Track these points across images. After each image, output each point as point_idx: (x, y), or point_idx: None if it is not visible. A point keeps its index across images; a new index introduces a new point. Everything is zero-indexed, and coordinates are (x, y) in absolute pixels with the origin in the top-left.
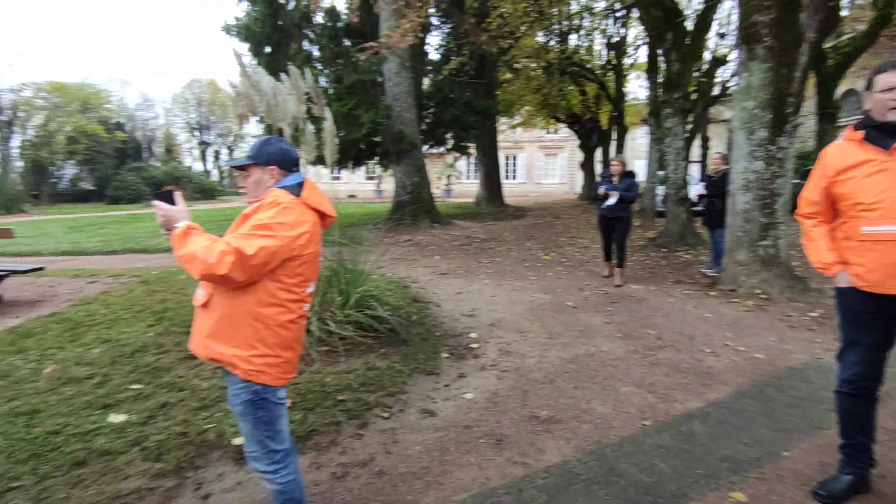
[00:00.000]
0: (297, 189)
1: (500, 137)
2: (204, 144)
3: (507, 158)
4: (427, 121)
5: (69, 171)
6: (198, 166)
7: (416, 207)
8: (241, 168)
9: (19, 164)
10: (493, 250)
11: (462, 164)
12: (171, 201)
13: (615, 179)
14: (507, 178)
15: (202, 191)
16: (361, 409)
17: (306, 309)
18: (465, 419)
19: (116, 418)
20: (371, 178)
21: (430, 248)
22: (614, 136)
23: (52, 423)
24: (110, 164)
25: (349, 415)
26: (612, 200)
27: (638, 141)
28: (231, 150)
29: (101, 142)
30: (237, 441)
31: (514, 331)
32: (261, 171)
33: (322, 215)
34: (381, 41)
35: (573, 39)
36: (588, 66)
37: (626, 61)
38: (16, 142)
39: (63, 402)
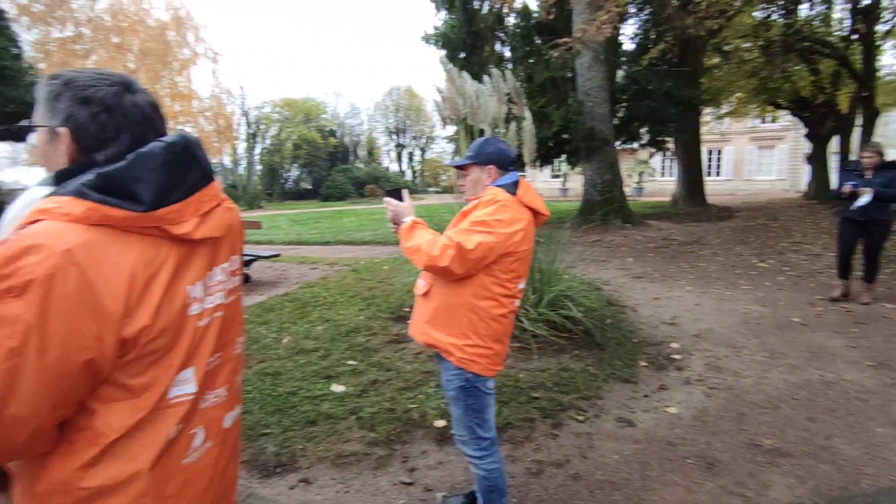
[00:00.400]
0: (512, 188)
1: (703, 129)
2: (400, 147)
3: (709, 153)
4: (619, 115)
5: (293, 173)
6: (394, 167)
7: (607, 207)
8: (460, 167)
9: (258, 167)
10: (695, 254)
11: (656, 160)
12: (399, 198)
13: (868, 174)
14: (709, 174)
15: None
16: (556, 410)
17: (517, 304)
18: (669, 435)
19: (337, 388)
20: (556, 177)
21: (622, 250)
22: (858, 121)
23: (290, 385)
24: (324, 167)
25: (543, 413)
26: (864, 199)
27: (893, 126)
28: (423, 151)
29: (317, 147)
30: (439, 423)
31: (725, 345)
32: (479, 170)
33: (535, 213)
34: (576, 36)
35: (803, 10)
36: (825, 39)
37: (880, 28)
38: (257, 149)
39: (297, 368)
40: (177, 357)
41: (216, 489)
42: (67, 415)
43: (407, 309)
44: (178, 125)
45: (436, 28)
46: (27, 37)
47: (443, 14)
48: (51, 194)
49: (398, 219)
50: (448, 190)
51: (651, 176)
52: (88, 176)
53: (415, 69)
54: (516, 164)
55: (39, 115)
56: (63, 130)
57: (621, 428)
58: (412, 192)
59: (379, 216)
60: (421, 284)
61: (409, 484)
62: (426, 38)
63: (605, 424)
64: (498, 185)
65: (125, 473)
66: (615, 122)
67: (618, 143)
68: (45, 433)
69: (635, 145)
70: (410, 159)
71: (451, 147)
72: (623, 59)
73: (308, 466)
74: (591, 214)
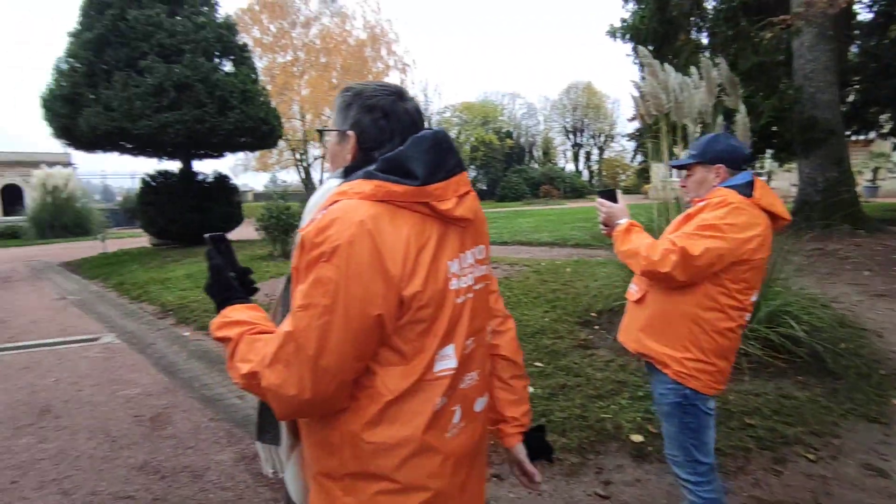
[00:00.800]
0: (746, 188)
1: None
2: (577, 146)
3: None
4: (850, 100)
5: (471, 174)
6: (570, 167)
7: (836, 210)
8: (682, 167)
9: None
10: None
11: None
12: (613, 199)
13: None
14: None
15: (573, 190)
16: (777, 442)
17: (747, 319)
18: None
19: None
20: (759, 174)
21: (854, 261)
22: None
23: None
24: (500, 168)
25: (760, 444)
26: None
27: None
28: (602, 150)
29: (494, 149)
30: (635, 438)
31: None
32: (705, 169)
33: (773, 217)
34: (798, 11)
35: None
36: None
37: None
38: None
39: None
40: (440, 328)
41: (467, 469)
42: (362, 369)
43: (594, 314)
44: None
45: (623, 21)
46: (259, 64)
47: (631, 5)
48: (342, 182)
49: (612, 221)
50: (628, 190)
51: (891, 172)
52: (373, 165)
53: (593, 66)
54: (749, 162)
55: (333, 121)
56: (351, 133)
57: (870, 477)
58: (588, 192)
59: (555, 217)
60: (634, 290)
61: (605, 497)
62: (612, 32)
63: (845, 469)
64: (728, 186)
65: (401, 434)
66: (843, 109)
67: (846, 133)
68: (346, 386)
69: (871, 135)
70: (588, 159)
71: (631, 145)
72: (857, 32)
73: (500, 462)
74: (810, 218)
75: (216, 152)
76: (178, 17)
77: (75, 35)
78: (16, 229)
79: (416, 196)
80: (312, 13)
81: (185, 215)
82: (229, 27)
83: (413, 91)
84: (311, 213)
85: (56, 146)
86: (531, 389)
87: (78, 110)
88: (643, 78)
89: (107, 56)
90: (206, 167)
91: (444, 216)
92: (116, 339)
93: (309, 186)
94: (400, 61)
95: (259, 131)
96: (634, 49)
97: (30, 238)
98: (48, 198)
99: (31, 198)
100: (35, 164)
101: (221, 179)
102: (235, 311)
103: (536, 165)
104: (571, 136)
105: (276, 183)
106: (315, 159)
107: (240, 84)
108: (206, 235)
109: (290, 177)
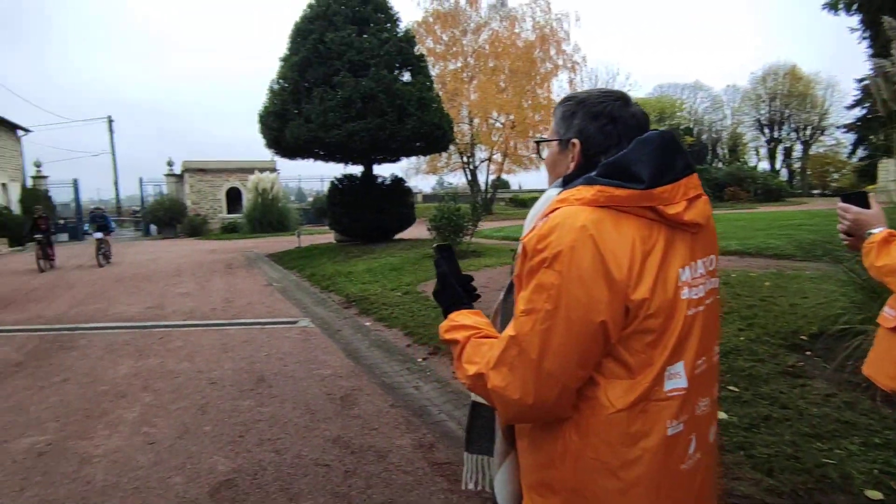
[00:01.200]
0: None
1: None
2: (773, 141)
3: None
4: None
5: None
6: (763, 165)
7: None
8: None
9: None
10: None
11: None
12: (864, 204)
13: None
14: None
15: (766, 191)
16: None
17: None
18: None
19: (720, 414)
20: None
21: None
22: None
23: None
24: None
25: None
26: None
27: None
28: (807, 145)
29: None
30: (873, 494)
31: None
32: None
33: None
34: None
35: None
36: None
37: None
38: None
39: None
40: (670, 341)
41: None
42: (585, 377)
43: (804, 337)
44: (538, 133)
45: None
46: (432, 72)
47: None
48: (562, 190)
49: (861, 230)
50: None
51: None
52: (594, 171)
53: (794, 48)
54: None
55: (553, 131)
56: (576, 141)
57: None
58: (787, 195)
59: (744, 222)
60: (890, 314)
61: None
62: (832, 5)
63: None
64: None
65: (627, 456)
66: None
67: None
68: (569, 393)
69: None
70: (787, 156)
71: (849, 138)
72: None
73: None
74: None
75: (394, 157)
76: (366, 36)
77: (285, 60)
78: (235, 224)
79: (641, 200)
80: (482, 19)
81: (365, 215)
82: (408, 40)
83: (583, 88)
84: (532, 222)
85: (265, 154)
86: (724, 416)
87: (285, 124)
88: (873, 55)
89: (308, 75)
90: (384, 171)
91: (672, 221)
92: (311, 323)
93: (475, 189)
94: (569, 60)
95: (433, 136)
96: (863, 21)
97: (245, 232)
98: (259, 199)
99: (246, 198)
100: (250, 171)
101: (398, 182)
102: (461, 316)
103: (721, 164)
104: (767, 130)
105: (443, 185)
106: (481, 162)
107: (416, 92)
108: (434, 246)
109: (457, 179)
